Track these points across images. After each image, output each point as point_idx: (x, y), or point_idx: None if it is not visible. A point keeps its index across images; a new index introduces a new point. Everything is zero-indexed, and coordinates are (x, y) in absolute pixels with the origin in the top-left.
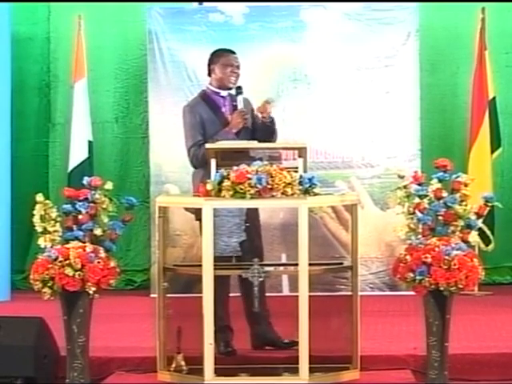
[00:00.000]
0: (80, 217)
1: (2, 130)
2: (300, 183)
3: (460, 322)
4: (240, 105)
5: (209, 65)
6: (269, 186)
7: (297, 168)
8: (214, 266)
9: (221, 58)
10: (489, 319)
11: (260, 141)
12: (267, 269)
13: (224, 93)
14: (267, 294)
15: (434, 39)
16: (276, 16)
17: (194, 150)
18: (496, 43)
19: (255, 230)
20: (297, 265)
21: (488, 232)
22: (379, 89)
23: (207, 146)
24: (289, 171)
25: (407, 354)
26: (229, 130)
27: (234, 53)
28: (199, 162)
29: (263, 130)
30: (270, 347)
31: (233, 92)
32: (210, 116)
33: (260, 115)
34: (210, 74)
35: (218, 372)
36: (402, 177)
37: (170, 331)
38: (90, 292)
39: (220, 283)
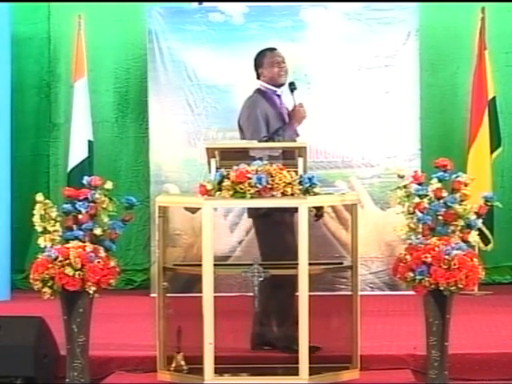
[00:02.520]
0: (80, 216)
1: (2, 129)
2: (300, 183)
3: (460, 322)
4: (298, 99)
5: (256, 69)
6: (269, 186)
7: (297, 168)
8: (215, 265)
9: (264, 58)
10: (489, 319)
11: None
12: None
13: (278, 90)
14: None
15: (434, 39)
16: (276, 16)
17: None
18: (496, 43)
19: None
20: (297, 264)
21: (487, 232)
22: (379, 89)
23: (206, 145)
24: (289, 171)
25: (407, 353)
26: (292, 125)
27: (275, 49)
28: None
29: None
30: (290, 350)
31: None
32: (271, 111)
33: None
34: (259, 77)
35: (218, 372)
36: (401, 176)
37: (169, 331)
38: (90, 292)
39: (287, 282)
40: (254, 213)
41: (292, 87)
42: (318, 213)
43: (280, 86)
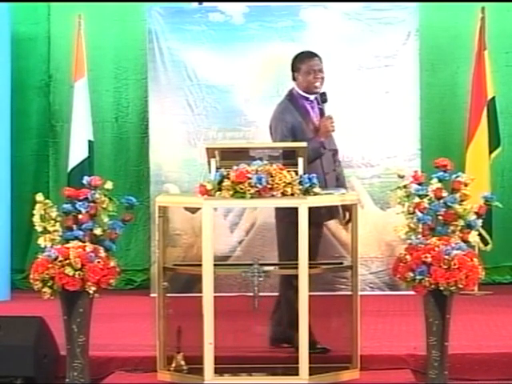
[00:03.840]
0: (80, 216)
1: (2, 129)
2: (300, 183)
3: (460, 322)
4: (327, 112)
5: (292, 70)
6: (269, 186)
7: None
8: (215, 265)
9: (302, 64)
10: (489, 319)
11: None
12: (267, 268)
13: (311, 97)
14: (266, 294)
15: (434, 39)
16: (276, 16)
17: None
18: (495, 43)
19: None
20: (297, 264)
21: (484, 233)
22: (379, 89)
23: (206, 145)
24: (289, 171)
25: (407, 353)
26: (317, 139)
27: (315, 55)
28: None
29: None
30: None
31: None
32: (299, 123)
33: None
34: (294, 79)
35: (218, 372)
36: (401, 176)
37: (169, 331)
38: (90, 292)
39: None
40: (282, 217)
41: (323, 98)
42: (347, 219)
43: (313, 93)
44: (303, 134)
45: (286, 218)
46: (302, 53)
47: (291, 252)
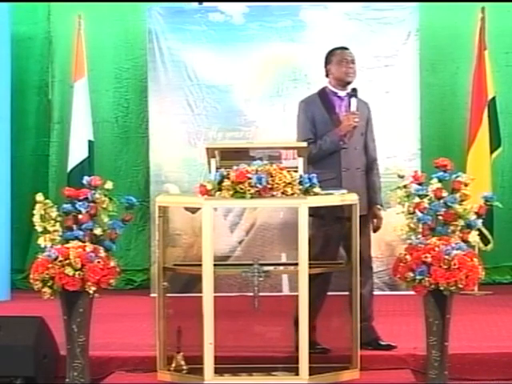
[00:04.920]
0: (80, 216)
1: (2, 129)
2: (300, 183)
3: (460, 322)
4: (353, 107)
5: (325, 66)
6: (269, 186)
7: (297, 168)
8: (215, 265)
9: (334, 56)
10: (489, 319)
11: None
12: (267, 268)
13: (342, 93)
14: (266, 294)
15: (434, 39)
16: (276, 16)
17: None
18: (496, 43)
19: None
20: (297, 264)
21: (486, 232)
22: (379, 89)
23: (206, 145)
24: (289, 171)
25: (407, 353)
26: (338, 132)
27: (346, 48)
28: (308, 159)
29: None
30: (366, 346)
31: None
32: (322, 115)
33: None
34: (327, 75)
35: (218, 372)
36: (401, 176)
37: (169, 331)
38: (90, 292)
39: (319, 280)
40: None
41: (352, 93)
42: (376, 226)
43: (346, 84)
44: (326, 126)
45: (321, 216)
46: (333, 48)
47: (323, 250)
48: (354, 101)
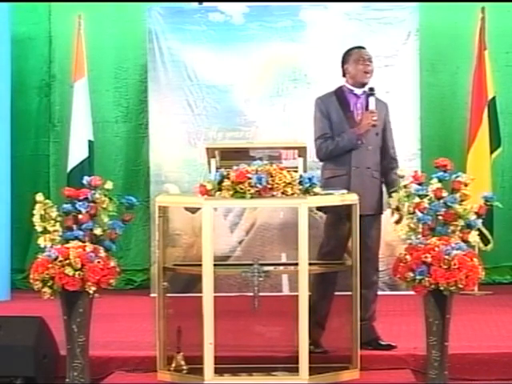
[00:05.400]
0: (80, 216)
1: (2, 129)
2: (300, 183)
3: (460, 322)
4: (371, 106)
5: (342, 66)
6: (269, 186)
7: (297, 167)
8: (215, 265)
9: (351, 55)
10: (489, 319)
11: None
12: (267, 268)
13: (358, 91)
14: (266, 294)
15: (434, 39)
16: (276, 16)
17: (319, 142)
18: (496, 43)
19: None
20: (297, 264)
21: (486, 232)
22: (379, 89)
23: (206, 145)
24: (289, 171)
25: (407, 353)
26: (356, 130)
27: (363, 48)
28: (324, 155)
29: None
30: (366, 346)
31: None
32: (337, 112)
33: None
34: (344, 75)
35: (218, 372)
36: (401, 176)
37: (169, 331)
38: (90, 292)
39: (327, 280)
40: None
41: (370, 92)
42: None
43: (362, 85)
44: (340, 123)
45: (335, 213)
46: (351, 47)
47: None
48: (372, 99)
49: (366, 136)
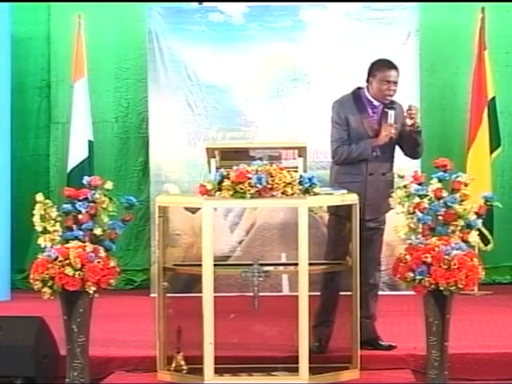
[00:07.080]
0: (80, 216)
1: (2, 129)
2: (300, 183)
3: (460, 322)
4: (391, 119)
5: (368, 74)
6: (269, 186)
7: (297, 168)
8: (215, 265)
9: (380, 72)
10: (489, 319)
11: (405, 153)
12: (267, 268)
13: (376, 103)
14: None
15: (434, 39)
16: (276, 16)
17: (336, 145)
18: (496, 43)
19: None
20: (297, 264)
21: (486, 232)
22: None
23: (206, 145)
24: (289, 171)
25: (407, 353)
26: (374, 141)
27: (394, 67)
28: (339, 160)
29: (408, 140)
30: (366, 346)
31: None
32: (355, 117)
33: (409, 122)
34: (367, 82)
35: (218, 372)
36: (401, 176)
37: (169, 331)
38: (90, 292)
39: (336, 279)
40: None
41: (390, 106)
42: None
43: (381, 103)
44: (358, 127)
45: (339, 214)
46: (382, 60)
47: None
48: (391, 113)
49: (382, 147)
